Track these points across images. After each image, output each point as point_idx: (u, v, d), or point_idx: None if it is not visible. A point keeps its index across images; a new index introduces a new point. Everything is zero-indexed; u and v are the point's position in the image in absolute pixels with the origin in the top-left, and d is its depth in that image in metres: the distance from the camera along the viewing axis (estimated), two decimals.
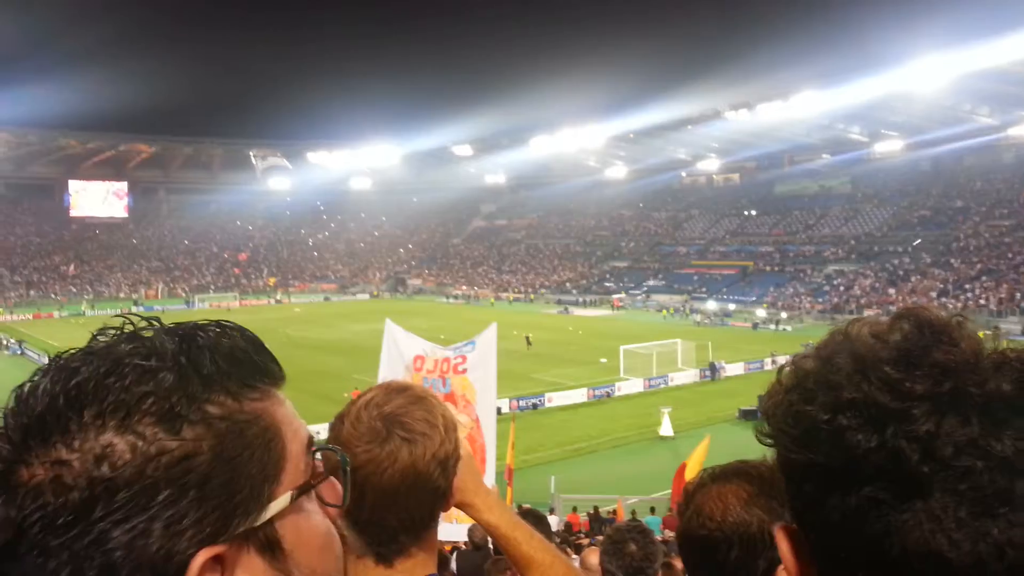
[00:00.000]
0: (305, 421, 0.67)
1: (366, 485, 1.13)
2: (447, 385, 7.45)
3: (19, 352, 44.95)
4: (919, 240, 65.49)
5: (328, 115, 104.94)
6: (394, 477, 1.14)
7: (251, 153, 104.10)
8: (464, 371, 7.70)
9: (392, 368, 7.43)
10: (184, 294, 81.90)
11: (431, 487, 1.18)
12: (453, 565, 6.65)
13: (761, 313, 59.93)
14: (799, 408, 0.60)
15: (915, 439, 0.54)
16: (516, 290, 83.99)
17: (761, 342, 45.47)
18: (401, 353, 7.64)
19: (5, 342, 47.94)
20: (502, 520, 1.40)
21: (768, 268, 72.10)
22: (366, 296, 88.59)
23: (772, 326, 55.40)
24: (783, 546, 0.63)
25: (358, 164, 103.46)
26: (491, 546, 6.47)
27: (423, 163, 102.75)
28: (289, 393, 0.67)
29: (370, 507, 1.14)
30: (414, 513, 1.19)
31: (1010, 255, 56.55)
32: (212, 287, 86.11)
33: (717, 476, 1.50)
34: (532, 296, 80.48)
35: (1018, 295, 50.72)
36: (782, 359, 39.05)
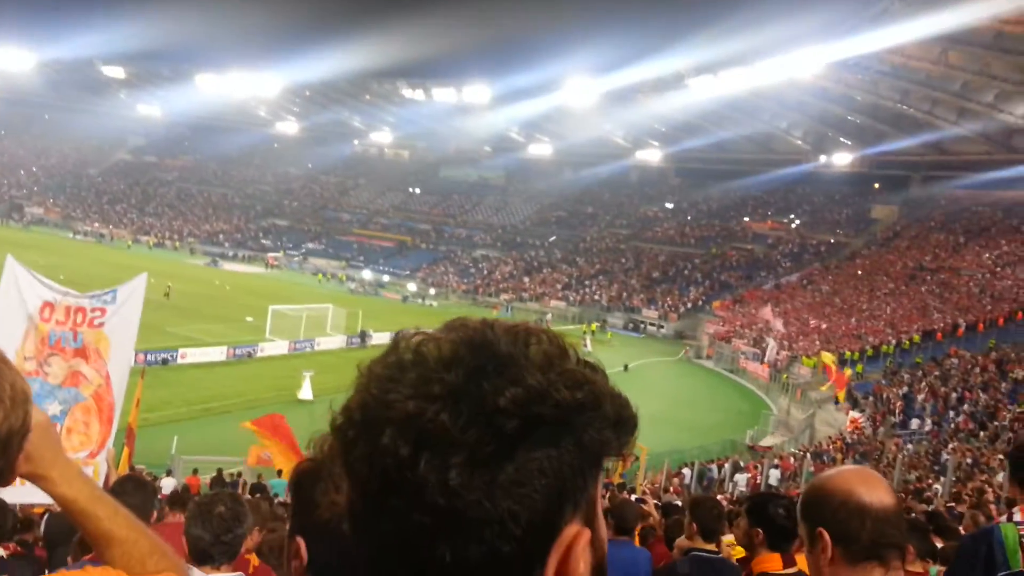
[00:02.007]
0: None
1: None
2: (79, 339, 6.76)
3: None
4: (554, 237, 73.44)
5: None
6: None
7: None
8: (101, 325, 7.04)
9: (10, 316, 6.51)
10: None
11: None
12: (42, 528, 6.15)
13: (412, 287, 62.67)
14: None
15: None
16: (159, 235, 77.23)
17: (409, 314, 47.55)
18: (24, 300, 6.67)
19: None
20: (81, 494, 1.26)
21: (424, 245, 75.51)
22: None
23: (420, 300, 58.22)
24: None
25: None
26: None
27: (65, 78, 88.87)
28: None
29: None
30: None
31: (623, 260, 66.12)
32: None
33: None
34: (178, 244, 74.67)
35: (624, 294, 59.55)
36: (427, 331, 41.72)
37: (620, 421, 0.65)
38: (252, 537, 3.88)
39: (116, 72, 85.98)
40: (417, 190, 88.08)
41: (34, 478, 1.20)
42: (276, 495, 12.02)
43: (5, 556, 4.86)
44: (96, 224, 78.40)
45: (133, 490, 3.78)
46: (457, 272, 68.71)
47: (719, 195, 72.27)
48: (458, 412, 0.59)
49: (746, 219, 68.20)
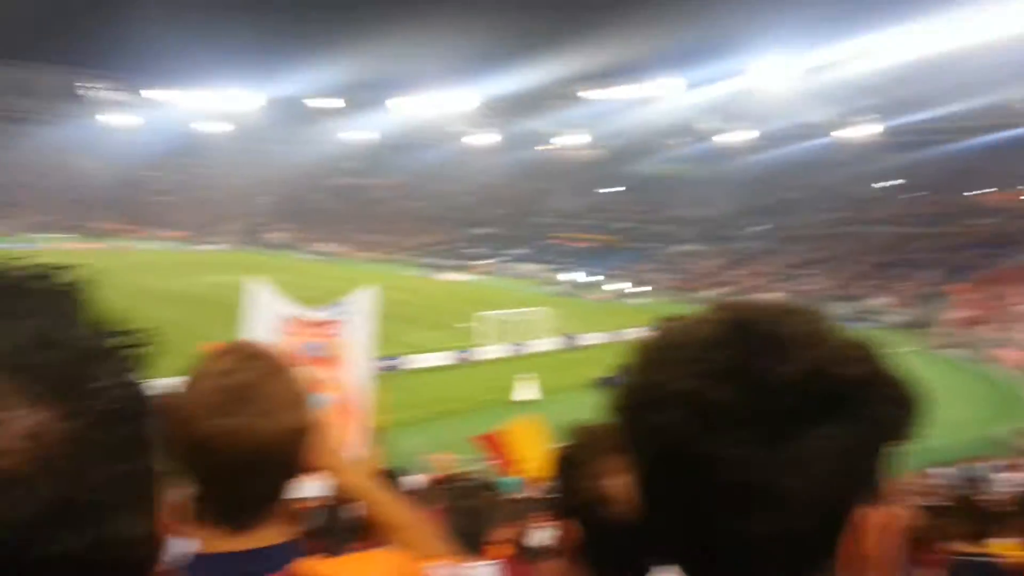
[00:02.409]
0: (154, 378, 0.58)
1: (218, 457, 1.09)
2: (317, 350, 7.23)
3: None
4: (762, 227, 70.01)
5: (176, 50, 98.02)
6: (245, 451, 1.10)
7: (89, 84, 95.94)
8: (336, 335, 7.48)
9: (258, 331, 7.09)
10: (9, 234, 74.81)
11: (284, 460, 1.16)
12: (317, 522, 6.58)
13: (617, 287, 62.41)
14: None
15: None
16: (379, 250, 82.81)
17: (617, 315, 47.29)
18: (267, 316, 7.26)
19: None
20: (360, 482, 1.42)
21: (627, 243, 74.99)
22: (220, 247, 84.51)
23: (626, 300, 57.81)
24: None
25: (215, 108, 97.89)
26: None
27: (289, 114, 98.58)
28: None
29: (224, 479, 1.11)
30: (266, 486, 1.17)
31: (839, 245, 61.64)
32: (50, 227, 79.19)
33: (609, 448, 1.42)
34: (394, 257, 79.66)
35: (845, 283, 55.44)
36: (633, 331, 40.69)
37: (902, 398, 0.63)
38: (506, 531, 4.00)
39: (332, 103, 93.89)
40: (613, 189, 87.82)
41: (319, 471, 1.31)
42: (506, 492, 12.29)
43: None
44: (324, 244, 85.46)
45: (391, 481, 3.93)
46: (661, 269, 67.53)
47: (941, 167, 65.27)
48: (739, 390, 0.59)
49: (978, 191, 61.06)
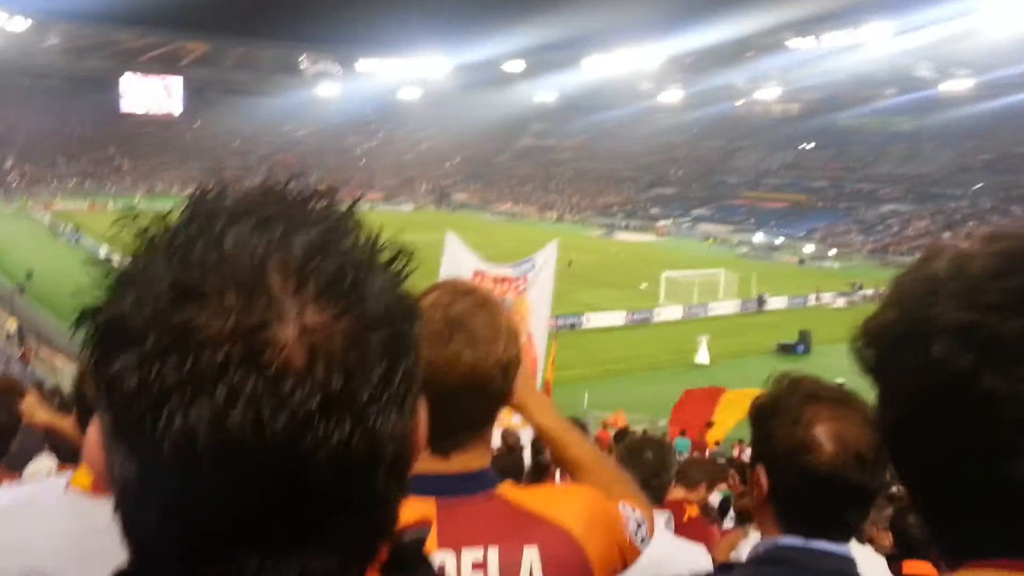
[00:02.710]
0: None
1: (428, 385, 1.12)
2: (505, 304, 7.48)
3: (75, 240, 46.22)
4: (980, 184, 63.12)
5: (380, 22, 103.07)
6: (456, 379, 1.15)
7: (302, 57, 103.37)
8: (524, 291, 7.71)
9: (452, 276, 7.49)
10: None
11: (492, 391, 1.21)
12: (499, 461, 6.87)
13: (809, 249, 58.89)
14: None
15: None
16: (560, 210, 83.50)
17: (808, 277, 44.88)
18: (460, 267, 7.66)
19: (62, 228, 49.24)
20: (552, 423, 1.44)
21: (821, 204, 70.50)
22: (410, 207, 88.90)
23: (819, 262, 54.51)
24: None
25: (408, 75, 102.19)
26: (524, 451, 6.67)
27: (474, 77, 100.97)
28: None
29: (432, 406, 1.16)
30: (474, 413, 1.23)
31: None
32: None
33: (809, 398, 1.39)
34: (576, 217, 79.98)
35: None
36: (826, 296, 38.45)
37: None
38: (698, 491, 3.98)
39: (516, 66, 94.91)
40: (810, 145, 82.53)
41: (516, 407, 1.35)
42: (680, 452, 12.19)
43: None
44: (508, 204, 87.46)
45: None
46: (861, 231, 62.89)
47: None
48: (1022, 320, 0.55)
49: None
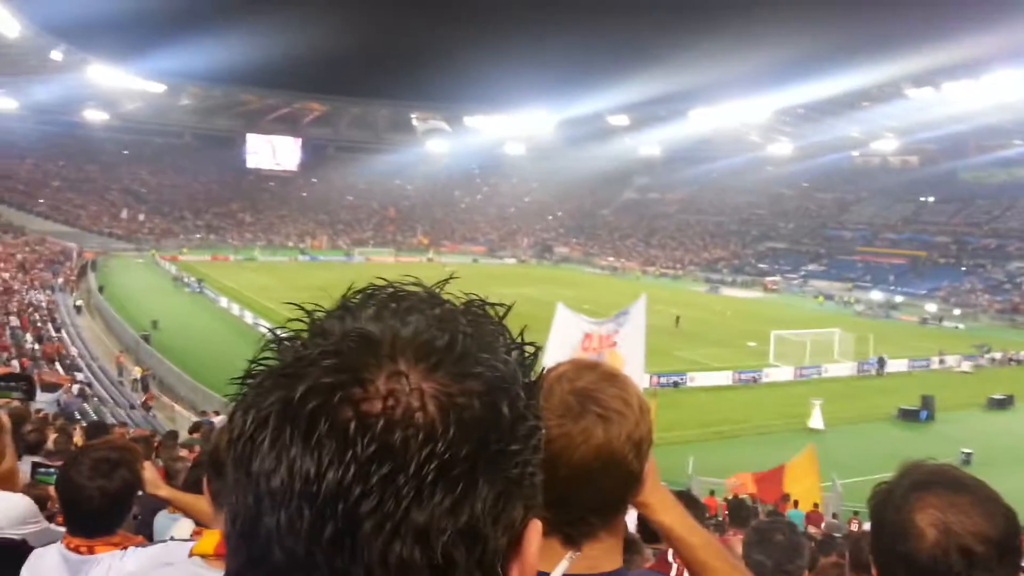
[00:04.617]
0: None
1: (558, 461, 1.07)
2: (602, 358, 7.34)
3: (198, 290, 48.96)
4: None
5: (487, 80, 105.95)
6: (587, 455, 1.09)
7: (413, 115, 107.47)
8: (615, 344, 7.56)
9: (560, 349, 7.41)
10: (345, 247, 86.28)
11: (625, 469, 1.13)
12: None
13: (931, 308, 55.57)
14: None
15: None
16: (664, 265, 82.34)
17: (929, 339, 42.30)
18: (570, 334, 7.63)
19: (186, 280, 52.29)
20: (677, 522, 1.31)
21: (943, 260, 66.73)
22: (512, 261, 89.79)
23: (941, 322, 51.37)
24: None
25: (513, 130, 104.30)
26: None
27: (577, 131, 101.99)
28: None
29: (561, 484, 1.06)
30: (606, 495, 1.13)
31: None
32: (371, 242, 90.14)
33: (919, 484, 1.30)
34: (680, 272, 78.64)
35: None
36: (951, 359, 36.15)
37: None
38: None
39: (620, 120, 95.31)
40: (930, 198, 78.58)
41: (640, 504, 1.25)
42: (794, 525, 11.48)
43: None
44: (610, 258, 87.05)
45: (689, 505, 3.81)
46: (987, 289, 58.98)
47: None
48: None
49: None
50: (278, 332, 0.58)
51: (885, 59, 63.83)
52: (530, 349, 0.60)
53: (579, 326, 7.72)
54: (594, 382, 1.15)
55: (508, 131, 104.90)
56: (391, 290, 0.61)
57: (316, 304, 0.59)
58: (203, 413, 18.77)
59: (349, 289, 0.62)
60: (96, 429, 9.07)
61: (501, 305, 0.63)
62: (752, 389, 30.97)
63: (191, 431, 12.67)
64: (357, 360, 0.51)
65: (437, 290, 0.62)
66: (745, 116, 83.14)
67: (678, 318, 43.26)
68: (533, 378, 0.58)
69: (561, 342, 7.49)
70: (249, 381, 0.55)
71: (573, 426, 1.10)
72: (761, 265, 77.03)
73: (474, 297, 0.62)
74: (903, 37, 63.44)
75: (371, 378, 0.50)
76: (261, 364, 0.55)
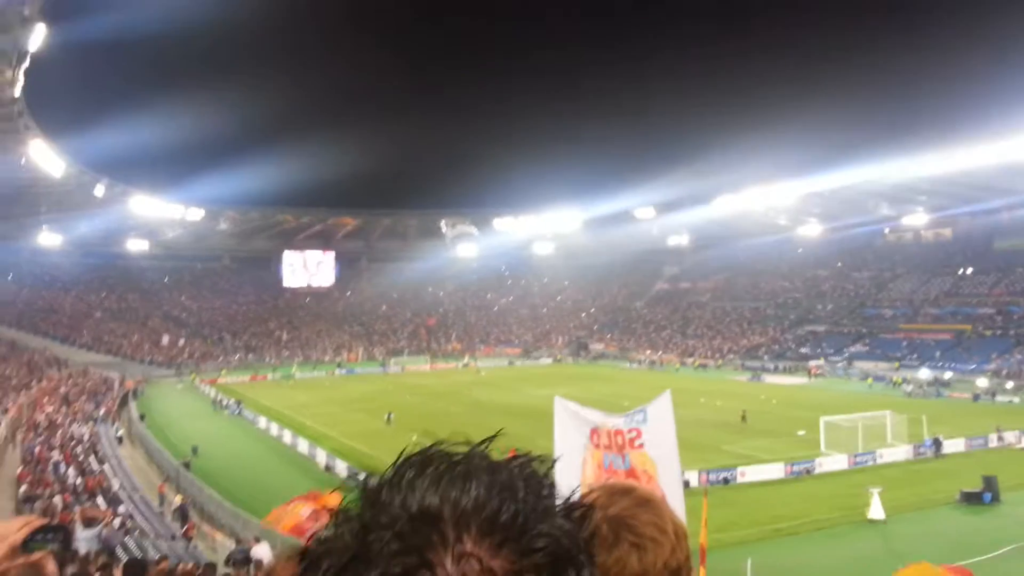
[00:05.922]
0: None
1: None
2: (626, 461, 7.04)
3: (237, 412, 49.10)
4: None
5: (514, 183, 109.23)
6: None
7: (442, 222, 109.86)
8: (641, 446, 7.26)
9: (568, 445, 7.15)
10: (380, 358, 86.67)
11: None
12: None
13: (983, 383, 53.71)
14: None
15: None
16: (702, 355, 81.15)
17: (984, 415, 40.69)
18: (575, 428, 7.32)
19: (224, 402, 52.61)
20: None
21: (989, 332, 64.94)
22: (548, 360, 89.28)
23: (993, 397, 49.51)
24: None
25: (541, 229, 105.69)
26: None
27: (604, 226, 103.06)
28: None
29: None
30: None
31: None
32: (406, 351, 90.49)
33: None
34: (720, 362, 77.35)
35: None
36: (1010, 435, 34.71)
37: None
38: None
39: (646, 213, 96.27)
40: (969, 270, 77.27)
41: None
42: None
43: None
44: (647, 352, 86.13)
45: None
46: None
47: None
48: None
49: None
50: (336, 508, 0.60)
51: (903, 153, 63.96)
52: (582, 510, 0.61)
53: (584, 421, 7.39)
54: (628, 508, 1.10)
55: (536, 230, 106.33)
56: (445, 454, 0.62)
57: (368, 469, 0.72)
58: (238, 541, 18.42)
59: (401, 454, 0.63)
60: (133, 568, 8.92)
61: (545, 458, 0.64)
62: (806, 481, 29.78)
63: (226, 562, 12.40)
64: (423, 540, 0.53)
65: (486, 448, 0.63)
66: (771, 201, 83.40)
67: (744, 413, 42.29)
68: (586, 534, 0.59)
69: (571, 444, 7.17)
70: (307, 562, 0.57)
71: (607, 556, 1.05)
72: (802, 349, 75.52)
73: (521, 456, 0.63)
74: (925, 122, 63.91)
75: (439, 561, 0.52)
76: (322, 543, 0.57)
